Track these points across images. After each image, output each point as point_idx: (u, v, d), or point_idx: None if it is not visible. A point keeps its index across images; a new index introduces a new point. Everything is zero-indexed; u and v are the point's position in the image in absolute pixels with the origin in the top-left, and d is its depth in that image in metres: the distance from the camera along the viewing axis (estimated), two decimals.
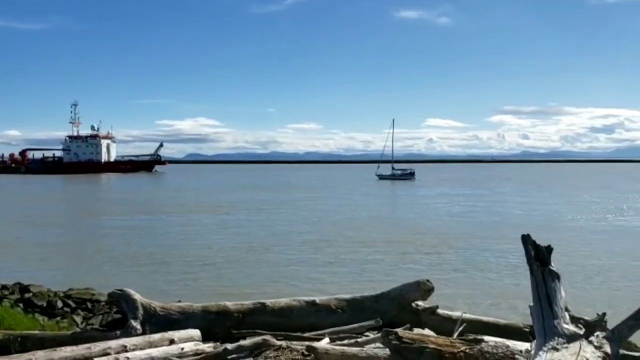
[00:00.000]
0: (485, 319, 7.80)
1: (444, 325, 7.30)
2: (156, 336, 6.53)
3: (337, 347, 5.75)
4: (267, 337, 6.16)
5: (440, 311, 7.75)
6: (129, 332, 6.83)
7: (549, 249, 4.60)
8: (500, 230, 25.84)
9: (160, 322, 7.15)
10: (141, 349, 6.26)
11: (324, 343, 6.18)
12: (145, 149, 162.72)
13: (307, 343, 6.00)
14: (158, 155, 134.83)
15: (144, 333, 6.81)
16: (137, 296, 7.33)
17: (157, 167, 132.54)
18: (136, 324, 7.03)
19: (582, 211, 37.40)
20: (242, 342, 6.14)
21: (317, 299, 7.96)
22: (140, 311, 7.19)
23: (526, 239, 4.62)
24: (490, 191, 62.69)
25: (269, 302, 7.80)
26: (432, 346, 4.80)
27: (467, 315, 7.57)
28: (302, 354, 5.76)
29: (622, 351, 4.90)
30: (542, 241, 4.99)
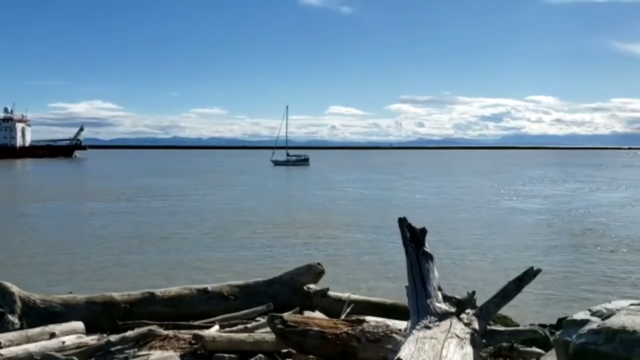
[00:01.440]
0: (372, 299, 8.07)
1: (335, 307, 7.49)
2: (35, 330, 6.19)
3: (224, 334, 5.73)
4: (153, 327, 6.03)
5: (331, 293, 7.92)
6: (5, 328, 6.44)
7: (423, 231, 4.84)
8: (390, 212, 26.72)
9: (41, 315, 6.80)
10: (17, 344, 5.91)
11: (212, 330, 6.15)
12: (39, 134, 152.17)
13: (195, 331, 5.95)
14: (78, 139, 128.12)
15: (22, 328, 6.45)
16: (14, 289, 6.90)
17: (77, 153, 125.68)
18: (13, 319, 6.64)
19: (470, 194, 39.76)
20: (127, 333, 5.97)
21: (209, 287, 7.89)
22: (19, 304, 6.80)
23: (402, 222, 4.83)
24: (383, 176, 65.01)
25: (158, 291, 7.63)
26: (315, 328, 4.92)
27: (355, 296, 7.79)
28: (190, 342, 5.70)
29: (500, 328, 5.28)
30: (427, 223, 5.25)
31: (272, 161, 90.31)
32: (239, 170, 77.13)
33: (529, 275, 4.53)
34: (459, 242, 19.75)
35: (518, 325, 8.23)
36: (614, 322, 3.96)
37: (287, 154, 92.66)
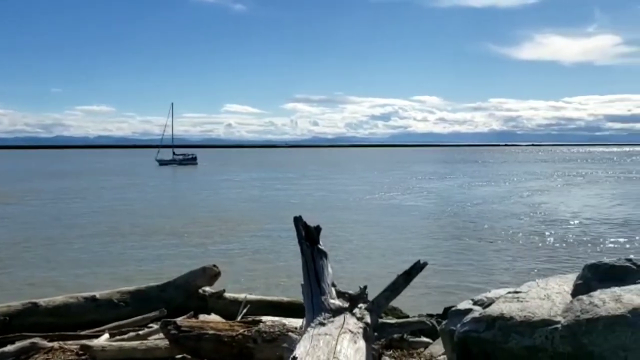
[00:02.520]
0: (269, 298, 8.11)
1: (231, 309, 7.44)
2: None
3: (114, 343, 5.51)
4: (36, 339, 5.68)
5: (227, 295, 7.85)
6: None
7: (318, 229, 4.92)
8: (285, 211, 26.86)
9: None
10: None
11: (101, 340, 5.88)
12: None
13: (82, 342, 5.66)
14: None
15: None
16: None
17: None
18: None
19: (363, 191, 40.90)
20: (6, 348, 5.57)
21: (98, 294, 7.55)
22: None
23: (297, 221, 4.89)
24: (277, 174, 65.16)
25: (41, 301, 7.19)
26: (211, 332, 4.86)
27: (252, 297, 7.79)
28: (77, 353, 5.42)
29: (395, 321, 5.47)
30: (322, 220, 5.33)
31: (157, 161, 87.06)
32: (120, 171, 73.74)
33: (416, 268, 4.75)
34: (352, 238, 20.27)
35: (408, 317, 8.62)
36: (494, 310, 4.24)
37: (174, 153, 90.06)
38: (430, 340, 6.12)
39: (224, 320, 6.02)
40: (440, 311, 8.93)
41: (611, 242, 19.85)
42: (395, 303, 9.59)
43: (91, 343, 5.44)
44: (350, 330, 4.17)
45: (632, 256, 4.41)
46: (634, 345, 3.47)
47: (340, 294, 4.77)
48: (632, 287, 3.92)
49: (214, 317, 6.89)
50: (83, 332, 6.49)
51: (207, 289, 7.80)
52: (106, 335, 6.18)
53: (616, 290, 3.91)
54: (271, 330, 4.98)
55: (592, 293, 3.96)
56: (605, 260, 4.28)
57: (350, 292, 4.80)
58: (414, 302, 11.22)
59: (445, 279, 14.25)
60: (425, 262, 4.78)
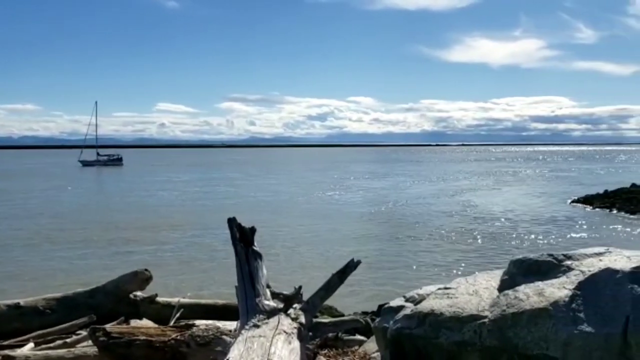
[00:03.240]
0: (203, 301, 7.97)
1: (164, 313, 7.28)
2: None
3: (39, 352, 5.27)
4: None
5: (159, 299, 7.68)
6: None
7: (252, 230, 4.88)
8: (220, 212, 26.51)
9: None
10: None
11: (25, 349, 5.62)
12: None
13: (4, 352, 5.38)
14: None
15: None
16: None
17: None
18: None
19: (300, 191, 41.01)
20: None
21: (22, 301, 7.22)
22: None
23: (231, 222, 4.84)
24: (211, 175, 64.31)
25: None
26: (142, 337, 4.71)
27: (185, 300, 7.65)
28: None
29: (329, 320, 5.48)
30: (259, 221, 5.28)
31: (80, 161, 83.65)
32: (38, 172, 70.52)
33: (350, 266, 4.79)
34: (289, 238, 20.27)
35: (343, 315, 8.70)
36: (424, 306, 4.33)
37: (98, 154, 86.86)
38: (365, 338, 6.19)
39: (156, 325, 5.86)
40: (376, 309, 9.07)
41: (537, 238, 20.77)
42: (330, 302, 9.67)
43: (14, 353, 5.19)
44: (284, 331, 4.17)
45: (559, 252, 4.60)
46: (554, 337, 3.63)
47: (275, 295, 4.76)
48: (554, 280, 4.09)
49: (145, 322, 6.71)
50: (5, 342, 6.17)
51: (139, 293, 7.61)
52: (31, 345, 5.90)
53: (539, 284, 4.07)
54: (205, 334, 4.88)
55: (517, 288, 4.11)
56: (530, 255, 4.44)
57: (285, 292, 4.79)
58: (350, 301, 11.35)
59: (380, 276, 14.49)
60: (359, 260, 4.83)
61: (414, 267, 15.89)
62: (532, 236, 21.21)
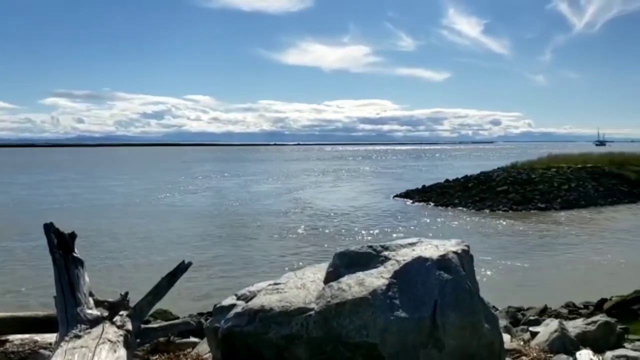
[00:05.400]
0: (21, 314, 7.23)
1: None
2: None
3: None
4: None
5: None
6: None
7: (72, 236, 4.58)
8: (41, 218, 24.46)
9: None
10: None
11: None
12: None
13: None
14: None
15: None
16: None
17: None
18: None
19: (132, 192, 39.16)
20: None
21: None
22: None
23: (48, 228, 4.49)
24: (34, 177, 58.95)
25: None
26: None
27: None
28: None
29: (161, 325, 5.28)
30: (86, 226, 4.95)
31: None
32: None
33: (180, 269, 4.70)
34: (119, 242, 19.23)
35: (178, 318, 8.52)
36: (255, 303, 4.40)
37: None
38: (198, 340, 6.12)
39: None
40: (211, 309, 9.00)
41: (362, 231, 22.07)
42: (165, 305, 9.43)
43: None
44: (109, 340, 3.97)
45: (379, 244, 4.90)
46: (373, 324, 3.89)
47: (100, 303, 4.50)
48: (373, 270, 4.38)
49: None
50: None
51: None
52: None
53: (360, 274, 4.33)
54: (20, 349, 4.52)
55: (340, 279, 4.33)
56: (352, 248, 4.71)
57: (111, 300, 4.56)
58: (186, 303, 11.15)
59: (217, 276, 14.39)
60: (190, 262, 4.76)
61: (250, 265, 16.01)
62: (359, 229, 22.49)
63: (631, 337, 6.56)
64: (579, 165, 36.32)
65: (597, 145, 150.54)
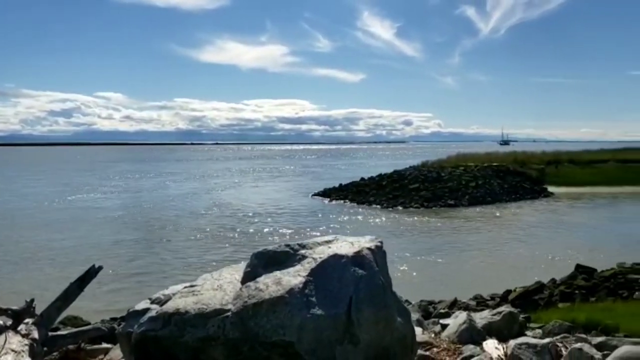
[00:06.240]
0: None
1: None
2: None
3: None
4: None
5: None
6: None
7: None
8: None
9: None
10: None
11: None
12: None
13: None
14: None
15: None
16: None
17: None
18: None
19: (45, 194, 37.13)
20: None
21: None
22: None
23: None
24: None
25: None
26: None
27: None
28: None
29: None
30: None
31: None
32: None
33: (90, 273, 4.54)
34: (26, 248, 18.25)
35: (90, 324, 8.18)
36: (170, 306, 4.31)
37: None
38: (111, 346, 5.91)
39: None
40: (125, 314, 8.71)
41: (281, 230, 22.15)
42: (76, 311, 9.05)
43: None
44: (13, 350, 3.79)
45: (298, 242, 4.93)
46: (290, 322, 3.91)
47: (3, 312, 4.27)
48: (290, 269, 4.40)
49: None
50: None
51: None
52: None
53: (277, 274, 4.33)
54: None
55: (257, 279, 4.32)
56: (269, 247, 4.71)
57: (15, 308, 4.33)
58: (99, 308, 10.74)
59: (132, 280, 13.95)
60: (101, 266, 4.61)
61: (167, 268, 15.65)
62: (278, 228, 22.55)
63: (533, 325, 6.99)
64: (485, 164, 38.25)
65: (501, 144, 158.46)
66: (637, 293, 10.66)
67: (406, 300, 10.61)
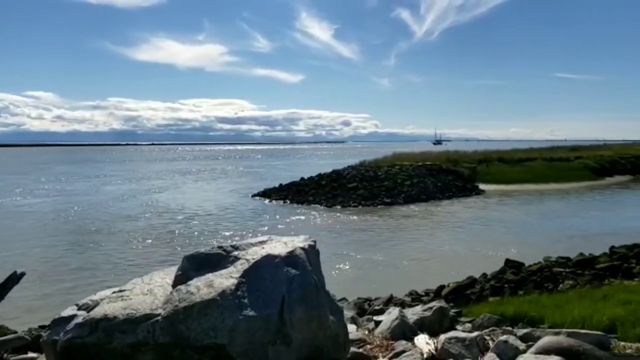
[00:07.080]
0: None
1: None
2: None
3: None
4: None
5: None
6: None
7: None
8: None
9: None
10: None
11: None
12: None
13: None
14: None
15: None
16: None
17: None
18: None
19: None
20: None
21: None
22: None
23: None
24: None
25: None
26: None
27: None
28: None
29: None
30: None
31: None
32: None
33: (12, 279, 4.36)
34: None
35: (16, 332, 7.83)
36: (98, 312, 4.19)
37: None
38: (37, 355, 5.69)
39: None
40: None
41: (218, 231, 21.94)
42: (0, 320, 8.64)
43: None
44: None
45: (232, 243, 4.89)
46: (222, 324, 3.88)
47: None
48: (223, 271, 4.36)
49: None
50: None
51: None
52: None
53: (209, 276, 4.28)
54: None
55: (189, 282, 4.26)
56: (201, 250, 4.65)
57: None
58: (25, 316, 10.32)
59: (60, 286, 13.46)
60: (23, 272, 4.43)
61: (97, 273, 15.18)
62: (215, 230, 22.31)
63: (463, 319, 7.21)
64: (420, 163, 39.18)
65: (435, 144, 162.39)
66: (561, 285, 11.20)
67: (343, 298, 10.73)
